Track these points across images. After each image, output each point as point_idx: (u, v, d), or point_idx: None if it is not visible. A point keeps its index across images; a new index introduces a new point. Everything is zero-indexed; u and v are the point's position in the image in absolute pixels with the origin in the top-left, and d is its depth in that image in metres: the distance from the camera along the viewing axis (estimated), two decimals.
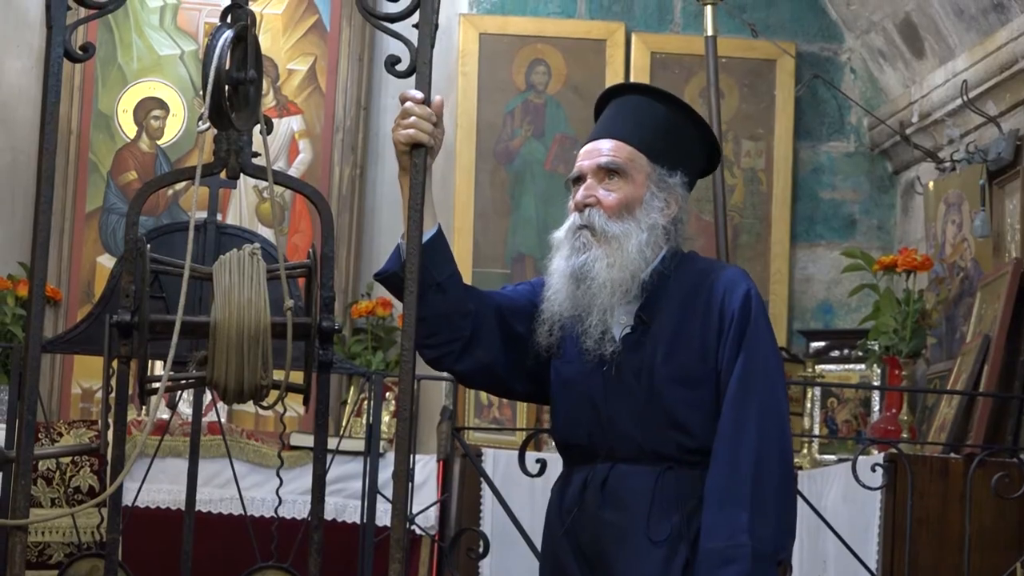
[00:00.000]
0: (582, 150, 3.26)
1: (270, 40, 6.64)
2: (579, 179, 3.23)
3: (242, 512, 5.38)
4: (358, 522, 5.30)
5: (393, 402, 5.98)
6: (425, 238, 3.06)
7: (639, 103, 3.27)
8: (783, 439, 3.10)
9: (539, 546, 4.72)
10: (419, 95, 3.00)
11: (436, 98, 3.03)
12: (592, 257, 3.15)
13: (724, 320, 3.11)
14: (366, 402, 5.93)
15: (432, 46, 2.95)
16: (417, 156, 2.98)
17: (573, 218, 3.21)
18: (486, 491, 5.53)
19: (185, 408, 5.75)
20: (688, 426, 3.10)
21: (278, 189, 5.14)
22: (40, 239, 2.80)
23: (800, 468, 5.71)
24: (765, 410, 3.07)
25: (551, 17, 6.67)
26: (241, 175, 3.08)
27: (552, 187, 6.49)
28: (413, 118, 3.00)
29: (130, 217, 3.05)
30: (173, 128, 6.67)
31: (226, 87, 2.92)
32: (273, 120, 4.82)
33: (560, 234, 3.23)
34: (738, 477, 3.03)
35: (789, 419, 3.17)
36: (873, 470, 4.80)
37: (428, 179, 3.06)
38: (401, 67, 2.97)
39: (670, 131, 3.24)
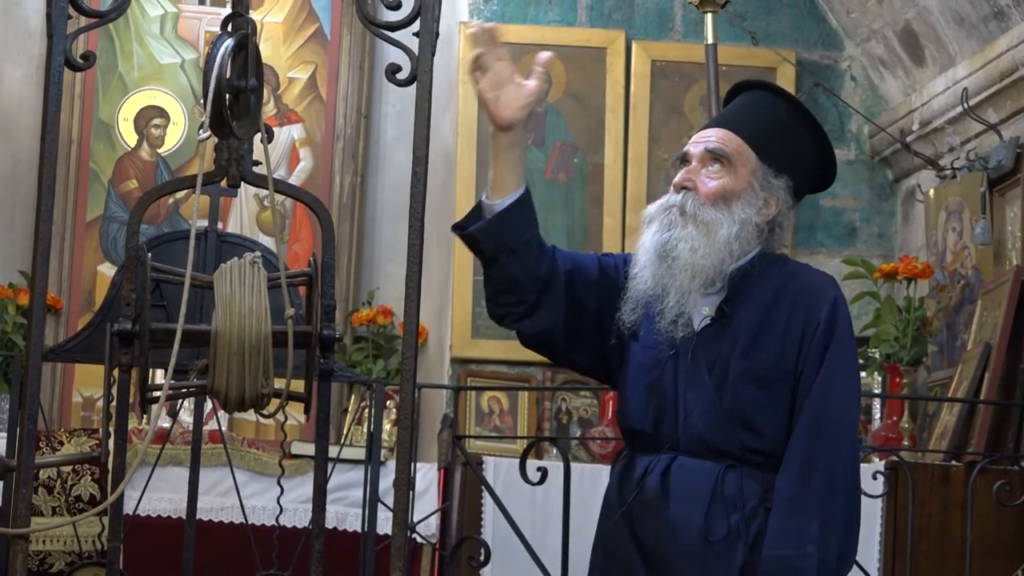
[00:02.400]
0: (694, 134, 3.23)
1: (271, 48, 6.64)
2: (684, 160, 3.20)
3: (243, 520, 5.37)
4: (359, 530, 5.30)
5: (394, 410, 5.98)
6: (508, 201, 3.11)
7: (763, 100, 3.23)
8: (854, 455, 3.07)
9: (539, 554, 4.77)
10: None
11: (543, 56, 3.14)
12: (677, 236, 3.10)
13: (809, 326, 3.08)
14: (367, 410, 5.92)
15: (433, 54, 2.95)
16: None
17: (669, 197, 3.17)
18: (487, 499, 5.52)
19: (186, 417, 5.75)
20: (756, 425, 3.05)
21: (279, 197, 5.14)
22: (41, 248, 2.80)
23: None
24: (842, 423, 3.04)
25: (551, 25, 6.66)
26: (242, 183, 3.08)
27: (552, 195, 6.47)
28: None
29: (131, 226, 3.05)
30: (174, 136, 6.68)
31: (227, 96, 2.91)
32: (274, 128, 4.84)
33: (652, 209, 3.19)
34: (810, 486, 2.98)
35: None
36: (874, 478, 4.80)
37: (526, 135, 3.04)
38: (402, 75, 2.97)
39: (786, 134, 3.19)
